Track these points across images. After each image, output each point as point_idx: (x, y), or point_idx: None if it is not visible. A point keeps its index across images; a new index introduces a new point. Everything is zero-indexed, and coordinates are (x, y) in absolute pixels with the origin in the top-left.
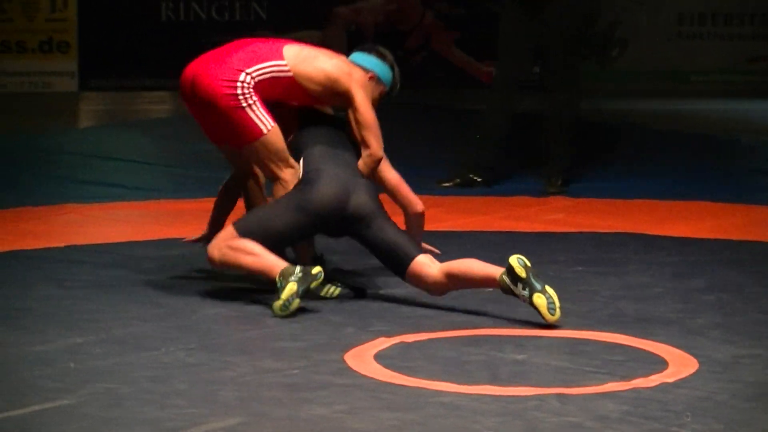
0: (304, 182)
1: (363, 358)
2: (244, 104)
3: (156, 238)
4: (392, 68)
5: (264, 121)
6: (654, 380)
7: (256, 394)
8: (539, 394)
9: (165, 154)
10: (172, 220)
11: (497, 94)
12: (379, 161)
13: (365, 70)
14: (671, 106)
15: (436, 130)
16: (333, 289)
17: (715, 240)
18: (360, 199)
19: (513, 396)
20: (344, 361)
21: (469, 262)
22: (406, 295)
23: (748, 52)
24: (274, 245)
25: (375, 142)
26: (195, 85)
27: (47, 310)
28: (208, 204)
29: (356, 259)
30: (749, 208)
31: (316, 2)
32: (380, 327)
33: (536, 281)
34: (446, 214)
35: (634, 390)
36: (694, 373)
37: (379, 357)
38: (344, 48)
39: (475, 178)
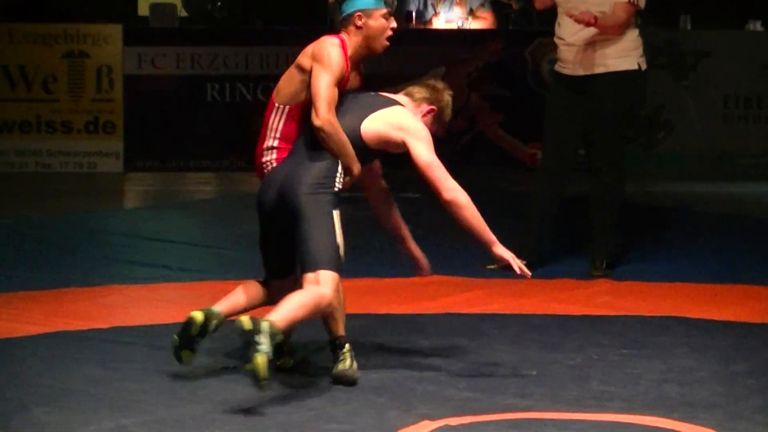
0: None
1: None
2: None
3: None
4: None
5: None
6: None
7: None
8: None
9: (210, 235)
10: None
11: (543, 176)
12: (319, 128)
13: (351, 14)
14: (718, 189)
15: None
16: (287, 360)
17: (761, 324)
18: (286, 197)
19: None
20: None
21: (287, 298)
22: (450, 377)
23: None
24: (267, 253)
25: (315, 110)
26: None
27: (92, 391)
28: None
29: (402, 337)
30: None
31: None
32: (424, 410)
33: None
34: (491, 297)
35: None
36: None
37: None
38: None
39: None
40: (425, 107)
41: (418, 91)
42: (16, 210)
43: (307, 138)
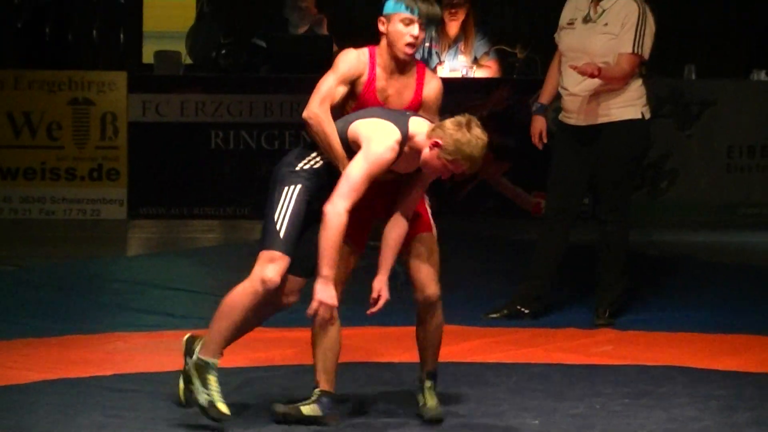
0: None
1: None
2: None
3: None
4: None
5: None
6: None
7: None
8: None
9: (213, 282)
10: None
11: (549, 224)
12: (305, 120)
13: (377, 20)
14: (721, 238)
15: (484, 260)
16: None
17: (764, 374)
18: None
19: None
20: None
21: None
22: (452, 426)
23: None
24: None
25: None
26: None
27: None
28: (256, 333)
29: (405, 386)
30: None
31: None
32: None
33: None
34: (494, 346)
35: None
36: None
37: None
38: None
39: (522, 309)
40: (434, 139)
41: (444, 124)
42: (20, 257)
43: None
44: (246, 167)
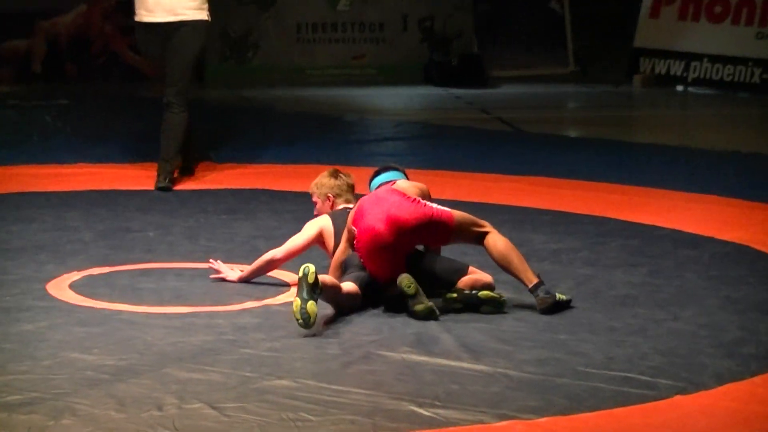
0: None
1: (60, 287)
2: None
3: None
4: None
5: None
6: (280, 299)
7: None
8: (195, 312)
9: None
10: None
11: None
12: None
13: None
14: (293, 93)
15: (115, 115)
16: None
17: None
18: None
19: (175, 313)
20: (46, 290)
21: None
22: (94, 238)
23: (351, 52)
24: None
25: None
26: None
27: None
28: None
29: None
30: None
31: (22, 18)
32: (73, 263)
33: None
34: (132, 180)
35: (265, 306)
36: None
37: (73, 286)
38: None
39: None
40: None
41: None
42: None
43: None
44: None
